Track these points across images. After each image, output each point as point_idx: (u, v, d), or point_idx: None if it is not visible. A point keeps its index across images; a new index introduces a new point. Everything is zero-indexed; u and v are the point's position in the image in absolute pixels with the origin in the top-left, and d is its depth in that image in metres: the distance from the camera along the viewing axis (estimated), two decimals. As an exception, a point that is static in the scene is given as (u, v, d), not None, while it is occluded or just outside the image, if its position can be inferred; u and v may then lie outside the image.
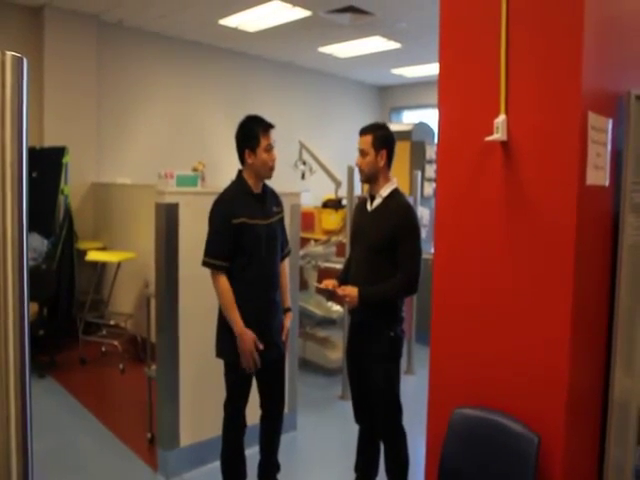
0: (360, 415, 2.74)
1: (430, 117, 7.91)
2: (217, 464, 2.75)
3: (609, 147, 1.97)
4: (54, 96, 5.85)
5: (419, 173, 4.99)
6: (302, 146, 5.54)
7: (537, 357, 1.92)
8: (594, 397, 2.08)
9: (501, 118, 1.94)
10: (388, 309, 2.56)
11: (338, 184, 5.22)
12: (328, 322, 5.03)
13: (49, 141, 5.69)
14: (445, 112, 2.19)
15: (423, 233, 3.04)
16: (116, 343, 5.05)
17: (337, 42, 7.08)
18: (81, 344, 5.05)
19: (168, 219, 3.00)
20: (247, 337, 2.50)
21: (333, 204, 6.00)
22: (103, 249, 5.66)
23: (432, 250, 2.29)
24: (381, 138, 2.57)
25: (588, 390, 2.04)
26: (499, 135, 1.94)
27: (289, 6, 5.65)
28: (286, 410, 2.98)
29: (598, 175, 1.91)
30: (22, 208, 0.73)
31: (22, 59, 0.72)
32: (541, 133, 1.88)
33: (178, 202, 3.04)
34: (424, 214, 5.80)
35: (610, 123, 1.96)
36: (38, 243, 4.90)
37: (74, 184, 5.67)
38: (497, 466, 1.93)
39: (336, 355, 4.79)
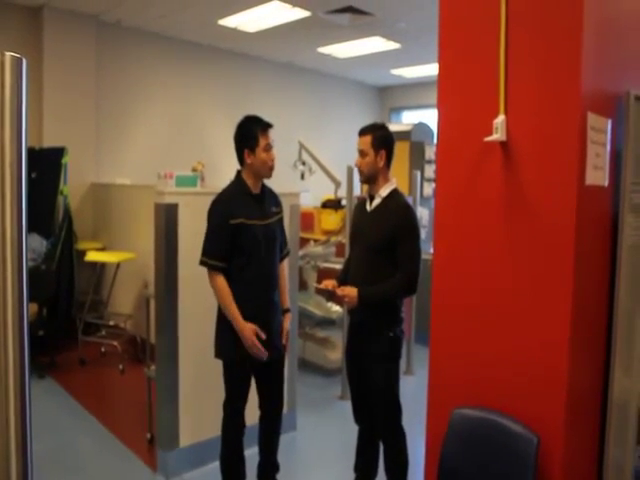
0: (360, 415, 2.74)
1: (429, 117, 7.91)
2: (217, 464, 2.75)
3: (608, 147, 1.97)
4: (53, 96, 5.85)
5: (418, 173, 4.99)
6: (301, 146, 5.55)
7: (536, 357, 1.92)
8: (593, 397, 2.08)
9: (500, 118, 1.94)
10: (387, 309, 2.56)
11: (337, 184, 5.22)
12: (327, 322, 5.03)
13: (48, 141, 5.68)
14: (444, 112, 2.19)
15: (422, 233, 3.05)
16: (116, 343, 5.05)
17: (336, 42, 7.08)
18: (80, 345, 5.05)
19: (167, 219, 3.00)
20: (247, 331, 2.50)
21: (332, 204, 6.00)
22: (102, 249, 5.66)
23: (431, 250, 2.29)
24: (380, 138, 2.57)
25: (587, 390, 2.04)
26: (498, 135, 1.94)
27: (288, 6, 5.65)
28: (285, 410, 2.98)
29: (597, 175, 1.91)
30: (21, 209, 0.73)
31: (21, 59, 0.72)
32: (540, 133, 1.88)
33: (177, 202, 3.04)
34: (423, 214, 5.80)
35: (609, 123, 1.96)
36: (37, 244, 4.90)
37: (73, 184, 5.67)
38: (496, 466, 1.93)
39: (335, 355, 4.79)
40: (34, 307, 4.84)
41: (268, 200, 2.69)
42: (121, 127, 6.63)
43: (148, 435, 3.47)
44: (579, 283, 1.85)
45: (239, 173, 2.65)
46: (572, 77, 1.79)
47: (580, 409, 1.97)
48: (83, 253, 5.19)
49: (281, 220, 2.77)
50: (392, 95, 10.00)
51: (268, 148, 2.58)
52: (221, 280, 2.53)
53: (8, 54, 0.71)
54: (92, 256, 5.13)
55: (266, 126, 2.59)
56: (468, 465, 2.00)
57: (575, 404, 1.90)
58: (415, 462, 2.71)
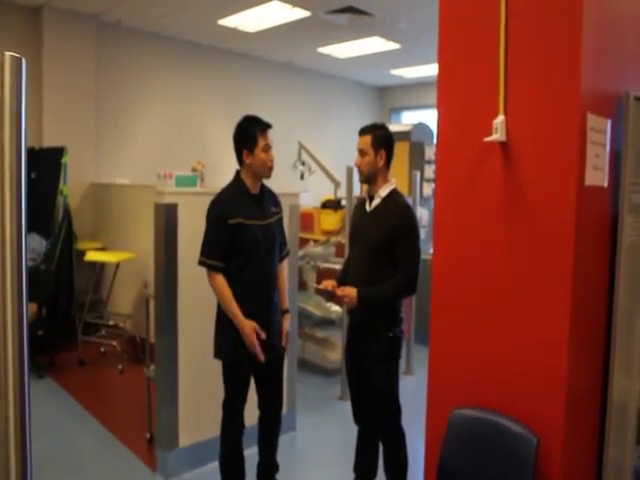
0: (359, 415, 2.74)
1: (429, 118, 7.91)
2: (216, 464, 2.75)
3: (608, 148, 1.97)
4: (53, 96, 5.84)
5: (418, 173, 4.99)
6: (301, 146, 5.55)
7: (536, 357, 1.92)
8: (593, 397, 2.08)
9: (500, 119, 1.94)
10: (387, 309, 2.56)
11: (337, 185, 5.22)
12: (327, 322, 5.03)
13: (48, 141, 5.68)
14: (444, 113, 2.19)
15: (422, 234, 3.05)
16: (115, 343, 5.05)
17: (336, 42, 7.08)
18: (80, 344, 5.05)
19: (167, 219, 3.00)
20: (248, 328, 2.50)
21: (332, 204, 6.00)
22: (102, 249, 5.66)
23: (431, 250, 2.30)
24: (380, 138, 2.57)
25: (587, 390, 2.04)
26: (498, 136, 1.94)
27: (288, 6, 5.65)
28: (285, 410, 2.98)
29: (597, 176, 1.91)
30: (21, 208, 0.73)
31: (21, 59, 0.72)
32: (540, 134, 1.88)
33: (177, 202, 3.04)
34: (423, 215, 5.80)
35: (609, 124, 1.97)
36: (37, 243, 4.90)
37: (73, 184, 5.67)
38: (496, 467, 1.93)
39: (335, 355, 4.80)
40: (33, 307, 4.84)
41: (267, 200, 2.69)
42: (121, 127, 6.63)
43: (147, 435, 3.47)
44: (579, 283, 1.85)
45: (238, 173, 2.65)
46: (572, 77, 1.80)
47: (580, 409, 1.97)
48: (83, 253, 5.19)
49: (280, 220, 2.77)
50: (392, 95, 10.00)
51: (267, 148, 2.58)
52: (220, 279, 2.53)
53: (8, 54, 0.71)
54: (92, 256, 5.13)
55: (265, 126, 2.59)
56: (468, 465, 2.00)
57: (575, 404, 1.90)
58: (415, 462, 2.71)
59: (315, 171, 5.60)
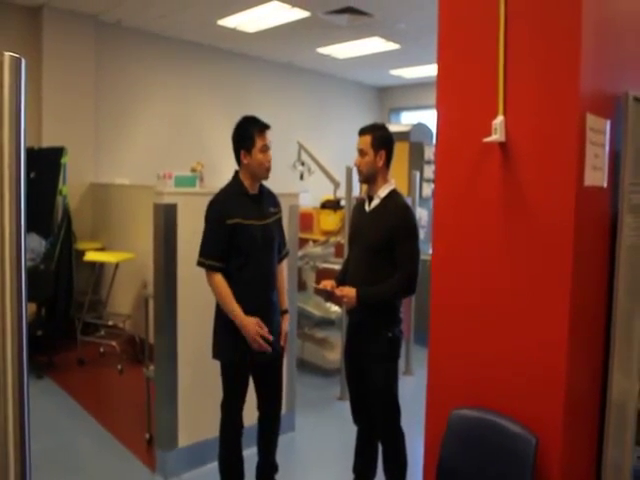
0: (358, 416, 2.74)
1: (429, 118, 7.91)
2: (216, 464, 2.75)
3: (607, 148, 1.97)
4: (52, 96, 5.84)
5: (417, 174, 4.99)
6: (301, 147, 5.55)
7: (535, 358, 1.92)
8: (592, 398, 2.08)
9: (499, 119, 1.94)
10: (386, 310, 2.56)
11: (337, 185, 5.22)
12: (326, 323, 5.03)
13: (47, 141, 5.68)
14: (444, 113, 2.19)
15: (421, 234, 3.05)
16: (114, 344, 5.04)
17: (336, 43, 7.09)
18: (79, 345, 5.05)
19: (166, 219, 3.00)
20: (250, 325, 2.50)
21: (332, 205, 6.00)
22: (101, 249, 5.66)
23: (430, 251, 2.30)
24: (380, 138, 2.57)
25: (586, 391, 2.04)
26: (497, 136, 1.94)
27: (288, 7, 5.65)
28: (284, 411, 2.98)
29: (596, 176, 1.91)
30: (20, 209, 0.73)
31: (20, 59, 0.72)
32: (539, 134, 1.88)
33: (177, 203, 3.04)
34: (422, 215, 5.80)
35: (608, 124, 1.97)
36: (36, 244, 4.90)
37: (72, 184, 5.66)
38: (495, 467, 1.93)
39: (334, 356, 4.79)
40: (33, 307, 4.84)
41: (266, 200, 2.69)
42: (120, 127, 6.63)
43: (147, 435, 3.47)
44: (578, 283, 1.85)
45: (237, 173, 2.65)
46: (571, 78, 1.80)
47: (579, 409, 1.98)
48: (82, 253, 5.19)
49: (279, 220, 2.77)
50: (391, 96, 10.00)
51: (265, 149, 2.58)
52: (219, 278, 2.53)
53: (7, 54, 0.71)
54: (91, 256, 5.13)
55: (263, 127, 2.59)
56: (467, 465, 2.00)
57: (574, 404, 1.91)
58: (414, 462, 2.71)
59: (314, 171, 5.61)
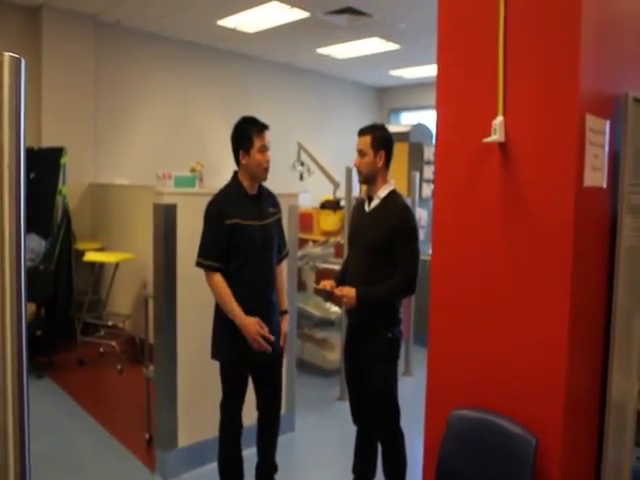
0: (358, 416, 2.74)
1: (428, 118, 7.91)
2: (215, 465, 2.75)
3: (607, 149, 1.97)
4: (52, 96, 5.84)
5: (417, 174, 4.99)
6: (300, 147, 5.55)
7: (535, 358, 1.92)
8: (592, 398, 2.08)
9: (499, 120, 1.94)
10: (385, 310, 2.56)
11: (336, 185, 5.22)
12: (326, 323, 5.03)
13: (47, 142, 5.68)
14: (443, 113, 2.19)
15: (421, 234, 3.05)
16: (114, 344, 5.04)
17: (336, 43, 7.09)
18: (79, 345, 5.05)
19: (166, 220, 3.00)
20: (250, 325, 2.49)
21: (331, 205, 6.00)
22: (101, 250, 5.66)
23: (430, 251, 2.30)
24: (380, 139, 2.57)
25: (586, 391, 2.04)
26: (497, 137, 1.94)
27: (287, 7, 5.65)
28: (284, 411, 2.98)
29: (596, 177, 1.91)
30: (20, 209, 0.73)
31: (20, 60, 0.72)
32: (539, 135, 1.88)
33: (176, 203, 3.04)
34: (422, 215, 5.80)
35: (608, 125, 1.97)
36: (36, 244, 4.90)
37: (72, 185, 5.66)
38: (495, 467, 1.93)
39: (334, 356, 4.79)
40: (32, 307, 4.84)
41: (265, 201, 2.69)
42: (120, 127, 6.63)
43: (146, 435, 3.47)
44: (577, 284, 1.85)
45: (235, 174, 2.65)
46: (570, 79, 1.80)
47: (578, 410, 1.98)
48: (82, 253, 5.19)
49: (279, 221, 2.77)
50: (391, 96, 10.00)
51: (263, 149, 2.58)
52: (218, 279, 2.53)
53: (7, 54, 0.71)
54: (91, 256, 5.12)
55: (262, 127, 2.59)
56: (466, 466, 2.00)
57: (573, 405, 1.91)
58: (413, 463, 2.71)
59: (314, 172, 5.61)
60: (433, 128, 2.30)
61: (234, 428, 2.68)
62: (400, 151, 4.51)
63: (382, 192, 2.58)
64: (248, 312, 2.52)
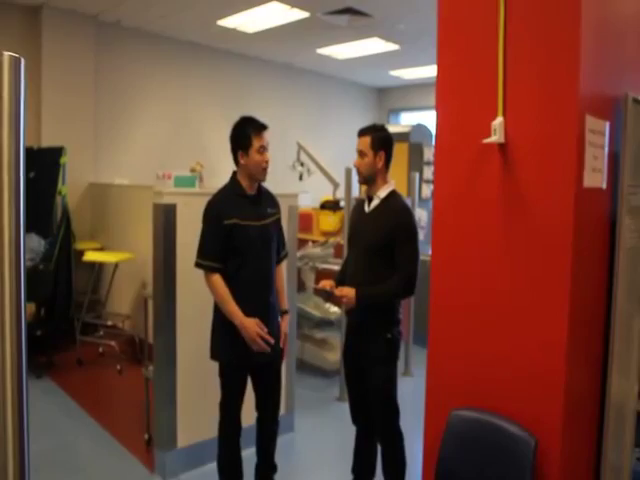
0: (357, 416, 2.74)
1: (428, 119, 7.92)
2: (214, 465, 2.75)
3: (606, 150, 1.97)
4: (52, 96, 5.84)
5: (417, 175, 4.99)
6: (300, 147, 5.55)
7: (534, 358, 1.92)
8: (591, 399, 2.08)
9: (498, 120, 1.94)
10: (385, 310, 2.56)
11: (336, 185, 5.23)
12: (326, 323, 5.03)
13: (47, 141, 5.68)
14: (443, 114, 2.19)
15: (421, 235, 3.05)
16: (113, 344, 5.04)
17: (335, 43, 7.09)
18: (78, 345, 5.04)
19: (166, 220, 3.00)
20: (248, 324, 2.49)
21: (331, 205, 6.00)
22: (101, 250, 5.65)
23: (430, 251, 2.30)
24: (380, 139, 2.57)
25: (585, 392, 2.04)
26: (496, 137, 1.94)
27: (287, 7, 5.65)
28: (283, 411, 2.98)
29: (595, 177, 1.92)
30: (19, 209, 0.73)
31: (20, 59, 0.72)
32: (539, 136, 1.88)
33: (176, 203, 3.04)
34: (422, 216, 5.80)
35: (607, 126, 1.97)
36: (35, 244, 4.90)
37: (72, 184, 5.66)
38: (494, 468, 1.93)
39: (334, 357, 4.79)
40: (32, 307, 4.84)
41: (264, 201, 2.69)
42: (120, 127, 6.63)
43: (146, 435, 3.47)
44: (577, 285, 1.85)
45: (234, 174, 2.65)
46: (570, 79, 1.80)
47: (578, 411, 1.98)
48: (81, 253, 5.19)
49: (278, 221, 2.77)
50: (391, 96, 10.01)
51: (262, 150, 2.57)
52: (217, 279, 2.52)
53: (6, 54, 0.71)
54: (90, 256, 5.12)
55: (260, 127, 2.58)
56: (466, 467, 2.00)
57: (573, 406, 1.91)
58: (413, 463, 2.71)
59: (314, 172, 5.61)
60: (433, 129, 2.30)
61: (233, 428, 2.68)
62: (400, 152, 4.51)
63: (382, 192, 2.58)
64: (247, 313, 2.52)
